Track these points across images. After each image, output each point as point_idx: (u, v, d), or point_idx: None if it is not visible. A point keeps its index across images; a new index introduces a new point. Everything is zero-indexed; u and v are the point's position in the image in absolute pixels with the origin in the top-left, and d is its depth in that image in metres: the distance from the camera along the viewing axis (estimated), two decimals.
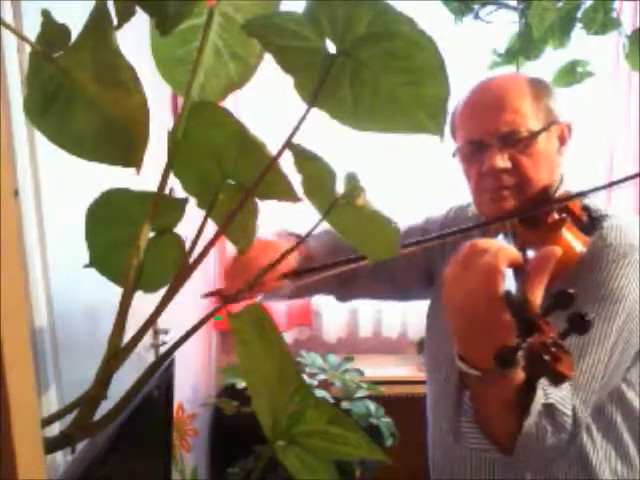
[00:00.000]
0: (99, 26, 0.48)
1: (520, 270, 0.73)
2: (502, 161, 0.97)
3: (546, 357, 0.59)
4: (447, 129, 1.06)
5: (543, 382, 0.76)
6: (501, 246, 0.73)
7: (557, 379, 0.61)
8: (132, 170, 0.52)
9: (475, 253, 0.72)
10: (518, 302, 0.68)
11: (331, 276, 1.06)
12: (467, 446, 0.82)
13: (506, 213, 0.98)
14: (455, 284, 0.74)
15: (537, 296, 0.69)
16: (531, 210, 0.96)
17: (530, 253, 0.92)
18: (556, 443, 0.80)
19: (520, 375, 0.73)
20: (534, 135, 0.97)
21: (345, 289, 1.23)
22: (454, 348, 0.77)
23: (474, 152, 1.01)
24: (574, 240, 0.91)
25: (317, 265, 1.03)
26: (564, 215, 0.94)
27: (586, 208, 0.98)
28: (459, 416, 0.82)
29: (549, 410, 0.78)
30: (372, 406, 1.95)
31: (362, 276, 1.19)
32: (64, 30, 0.49)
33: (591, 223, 0.96)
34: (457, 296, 0.74)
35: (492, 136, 0.98)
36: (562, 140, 1.03)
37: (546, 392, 0.78)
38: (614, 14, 1.38)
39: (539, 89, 1.01)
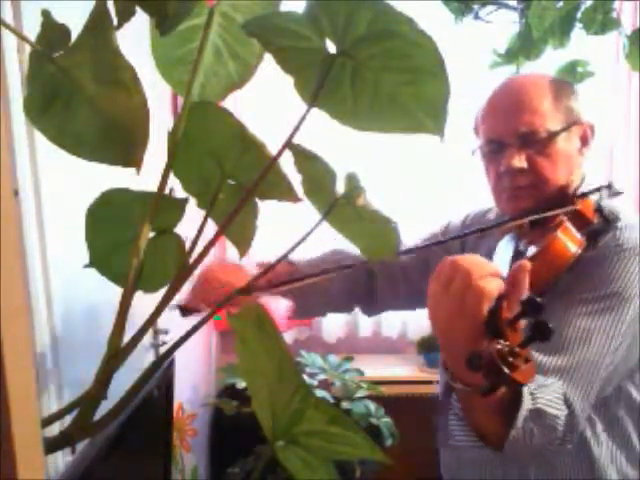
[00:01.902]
0: (99, 26, 0.47)
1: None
2: (519, 161, 0.97)
3: (501, 364, 0.59)
4: (448, 128, 1.06)
5: (530, 386, 0.76)
6: (487, 282, 0.69)
7: (513, 386, 0.61)
8: (132, 170, 0.52)
9: (465, 283, 0.69)
10: (492, 309, 0.67)
11: (340, 293, 1.04)
12: (455, 444, 0.82)
13: (522, 212, 0.99)
14: (441, 309, 0.71)
15: (513, 305, 0.68)
16: (544, 212, 0.96)
17: (530, 251, 0.92)
18: (546, 442, 0.80)
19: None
20: (553, 135, 0.98)
21: (367, 303, 1.24)
22: (441, 360, 0.77)
23: (494, 151, 1.02)
24: (568, 241, 0.91)
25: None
26: (563, 217, 0.94)
27: (600, 209, 0.98)
28: (447, 416, 0.82)
29: (536, 414, 0.78)
30: (372, 406, 1.95)
31: (385, 289, 1.19)
32: (64, 30, 0.48)
33: (605, 224, 0.96)
34: (442, 319, 0.71)
35: (511, 136, 0.99)
36: (584, 140, 1.03)
37: (534, 396, 0.78)
38: (614, 14, 1.38)
39: (560, 89, 1.01)
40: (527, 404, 0.77)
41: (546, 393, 0.80)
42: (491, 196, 1.07)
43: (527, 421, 0.76)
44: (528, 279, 0.69)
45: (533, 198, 0.99)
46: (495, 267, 0.72)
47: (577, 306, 0.90)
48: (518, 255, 0.95)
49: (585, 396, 0.85)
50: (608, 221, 0.96)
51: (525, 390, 0.76)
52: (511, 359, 0.60)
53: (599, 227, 0.96)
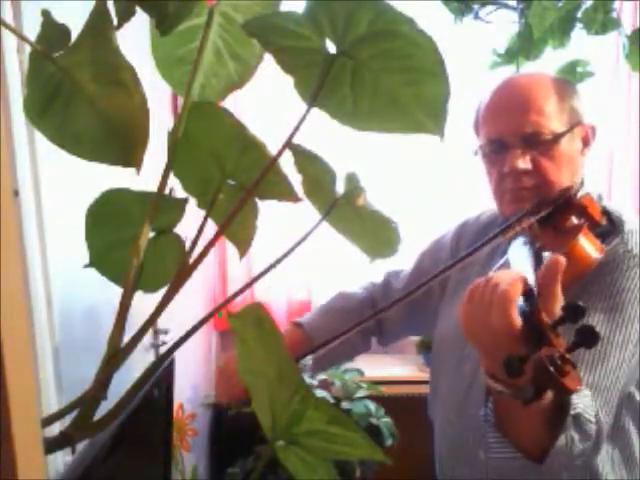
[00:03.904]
0: (99, 26, 0.48)
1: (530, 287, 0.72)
2: (523, 162, 0.96)
3: (553, 371, 0.59)
4: (448, 129, 1.05)
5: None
6: (507, 280, 0.71)
7: (563, 393, 0.61)
8: (132, 170, 0.52)
9: (486, 289, 0.72)
10: (530, 313, 0.67)
11: (356, 335, 1.04)
12: (495, 457, 0.81)
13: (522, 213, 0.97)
14: (473, 322, 0.74)
15: (552, 307, 0.69)
16: (536, 212, 0.94)
17: (546, 256, 0.90)
18: (582, 451, 0.79)
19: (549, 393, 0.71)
20: (557, 137, 0.97)
21: (378, 333, 1.23)
22: (482, 366, 0.76)
23: (496, 151, 1.00)
24: (590, 247, 0.88)
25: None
26: (582, 220, 0.92)
27: (606, 212, 0.97)
28: (487, 428, 0.81)
29: (576, 420, 0.77)
30: (372, 406, 1.95)
31: (388, 316, 1.19)
32: (64, 30, 0.49)
33: (611, 227, 0.95)
34: (479, 334, 0.73)
35: (515, 136, 0.97)
36: (585, 142, 1.02)
37: (572, 402, 0.77)
38: (614, 14, 1.38)
39: (564, 90, 1.00)
40: (570, 410, 0.76)
41: (581, 399, 0.79)
42: (491, 197, 1.07)
43: (569, 428, 0.76)
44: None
45: (536, 200, 0.98)
46: (521, 277, 0.72)
47: (592, 315, 0.89)
48: (538, 258, 0.94)
49: (608, 409, 0.85)
50: (614, 224, 0.95)
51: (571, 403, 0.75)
52: (561, 364, 0.59)
53: (606, 230, 0.94)
